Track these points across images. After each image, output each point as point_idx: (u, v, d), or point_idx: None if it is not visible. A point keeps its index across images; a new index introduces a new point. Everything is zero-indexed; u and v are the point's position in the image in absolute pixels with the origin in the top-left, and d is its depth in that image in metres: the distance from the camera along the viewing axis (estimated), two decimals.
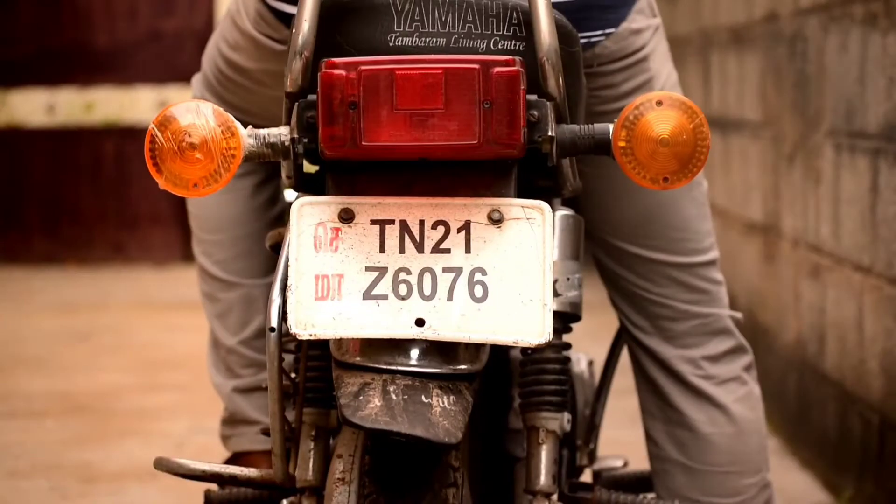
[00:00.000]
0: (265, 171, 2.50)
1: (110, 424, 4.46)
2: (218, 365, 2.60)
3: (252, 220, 2.48)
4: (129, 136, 8.58)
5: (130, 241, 8.55)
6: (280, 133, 1.76)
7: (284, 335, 1.76)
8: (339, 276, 1.72)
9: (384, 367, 1.71)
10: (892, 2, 3.13)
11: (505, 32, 1.82)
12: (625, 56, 2.06)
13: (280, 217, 2.47)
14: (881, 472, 3.24)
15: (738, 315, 2.36)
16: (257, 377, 2.51)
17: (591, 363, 2.61)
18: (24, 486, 3.79)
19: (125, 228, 8.55)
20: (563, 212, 1.98)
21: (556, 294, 1.93)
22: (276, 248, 1.99)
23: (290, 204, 1.77)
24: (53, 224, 8.54)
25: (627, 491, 2.24)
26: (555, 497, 1.92)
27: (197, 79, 2.58)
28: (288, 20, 2.03)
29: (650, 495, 2.27)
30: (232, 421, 2.53)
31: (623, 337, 2.34)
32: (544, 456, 1.93)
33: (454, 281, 1.71)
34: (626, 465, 2.59)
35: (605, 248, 2.23)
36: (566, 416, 1.97)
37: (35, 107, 8.76)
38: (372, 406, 1.67)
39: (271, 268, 2.38)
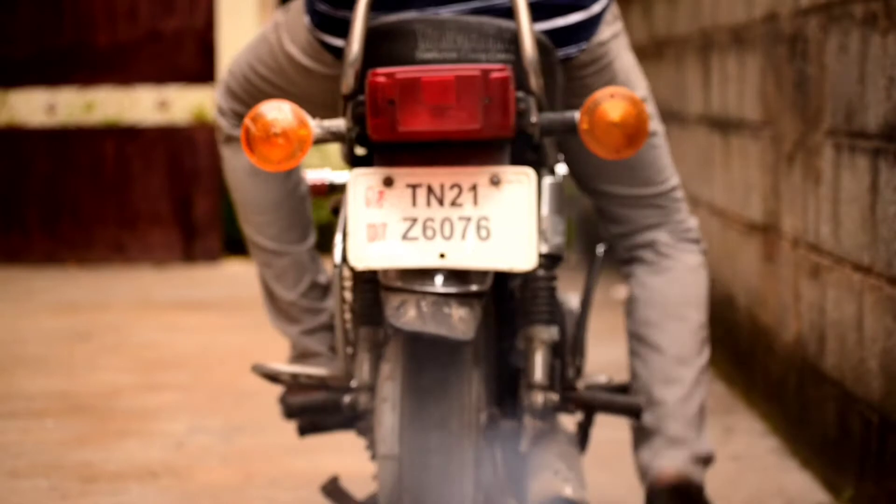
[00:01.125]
0: None
1: (110, 424, 4.46)
2: (281, 317, 3.16)
3: (288, 200, 3.07)
4: (129, 136, 8.58)
5: (131, 241, 8.55)
6: (338, 123, 2.46)
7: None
8: (384, 225, 2.42)
9: (417, 288, 2.39)
10: (892, 2, 3.13)
11: (500, 48, 2.53)
12: (594, 62, 2.77)
13: (305, 195, 3.12)
14: (881, 472, 3.24)
15: (695, 220, 3.13)
16: (316, 320, 3.14)
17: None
18: (23, 486, 3.79)
19: (125, 228, 8.55)
20: (550, 179, 2.63)
21: (545, 239, 2.61)
22: (336, 210, 2.82)
23: (311, 183, 2.92)
24: (54, 224, 8.54)
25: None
26: (549, 393, 2.58)
27: (221, 90, 3.05)
28: (332, 49, 2.74)
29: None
30: (301, 356, 3.17)
31: (597, 261, 2.90)
32: (539, 359, 2.60)
33: (466, 226, 2.41)
34: (610, 381, 3.00)
35: (597, 193, 3.05)
36: (555, 329, 2.61)
37: (35, 107, 8.75)
38: (409, 315, 2.36)
39: (308, 236, 3.13)
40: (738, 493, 3.64)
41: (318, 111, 2.61)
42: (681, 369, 2.96)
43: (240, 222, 3.14)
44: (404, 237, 2.42)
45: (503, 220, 2.40)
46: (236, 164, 3.07)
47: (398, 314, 2.38)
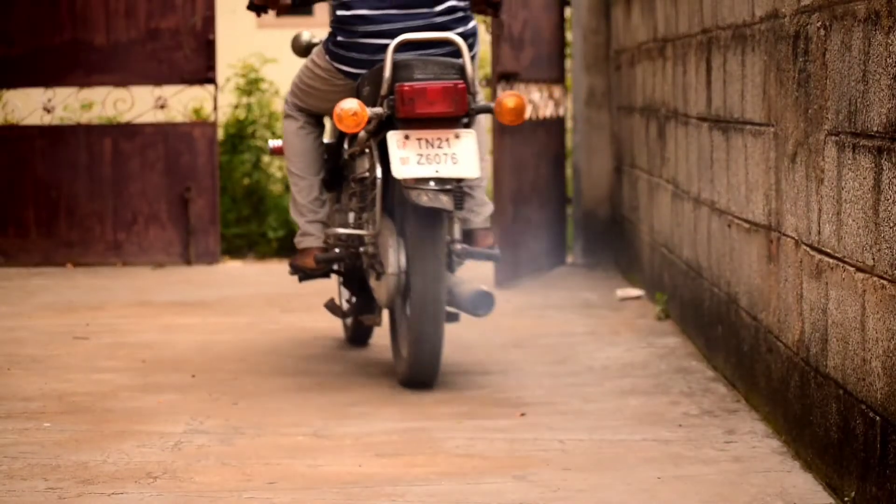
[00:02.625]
0: (319, 130, 5.51)
1: (108, 425, 4.45)
2: (297, 212, 5.44)
3: (314, 152, 5.48)
4: (127, 136, 8.57)
5: (128, 241, 8.54)
6: (377, 110, 4.90)
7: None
8: (407, 157, 4.78)
9: (423, 186, 4.75)
10: (895, 0, 3.11)
11: (455, 73, 4.89)
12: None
13: (321, 149, 5.54)
14: (884, 473, 3.23)
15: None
16: (315, 216, 5.42)
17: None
18: (21, 487, 3.77)
19: (123, 228, 8.53)
20: (480, 136, 5.12)
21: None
22: (353, 156, 5.33)
23: (330, 142, 5.61)
24: (51, 224, 8.52)
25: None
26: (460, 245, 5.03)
27: (287, 99, 5.48)
28: (343, 73, 5.22)
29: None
30: (303, 234, 5.44)
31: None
32: (457, 223, 5.01)
33: (446, 157, 4.78)
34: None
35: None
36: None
37: (32, 106, 8.74)
38: (422, 199, 4.71)
39: (320, 172, 5.49)
40: (741, 495, 3.63)
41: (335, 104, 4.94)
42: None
43: (286, 163, 5.46)
44: (418, 163, 4.80)
45: (463, 154, 4.83)
46: (289, 128, 5.47)
47: (417, 198, 4.74)
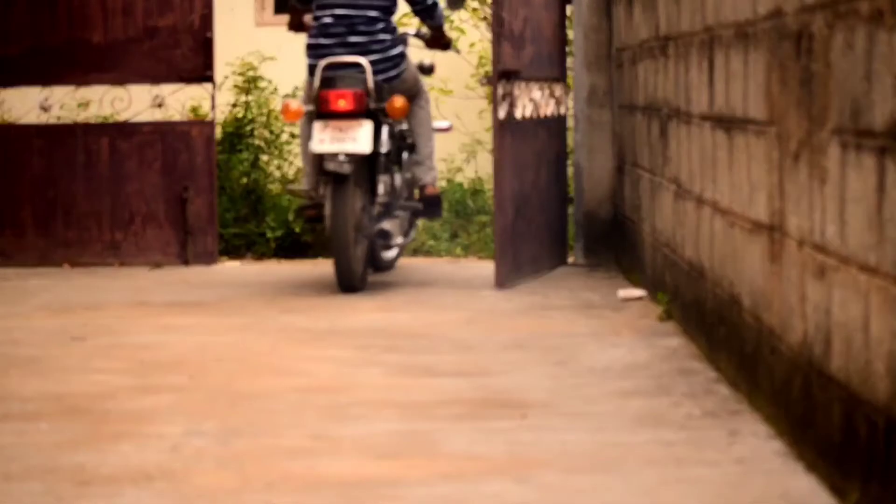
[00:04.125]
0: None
1: (105, 427, 4.43)
2: (305, 164, 7.49)
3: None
4: (124, 135, 8.54)
5: (126, 241, 8.51)
6: (310, 107, 7.32)
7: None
8: (323, 139, 7.13)
9: (333, 157, 7.15)
10: None
11: (362, 84, 7.25)
12: (402, 82, 7.48)
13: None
14: (887, 475, 3.21)
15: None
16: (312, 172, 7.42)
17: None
18: (17, 490, 3.76)
19: (120, 228, 8.51)
20: (385, 126, 7.45)
21: (381, 144, 7.40)
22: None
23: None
24: (48, 224, 8.50)
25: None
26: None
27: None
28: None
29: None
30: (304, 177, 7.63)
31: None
32: (381, 188, 7.45)
33: (350, 138, 7.17)
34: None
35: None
36: (387, 177, 7.53)
37: (29, 105, 8.71)
38: (327, 163, 7.09)
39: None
40: (743, 497, 3.61)
41: None
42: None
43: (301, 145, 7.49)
44: (330, 142, 7.02)
45: (360, 137, 7.05)
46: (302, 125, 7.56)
47: (327, 165, 7.01)
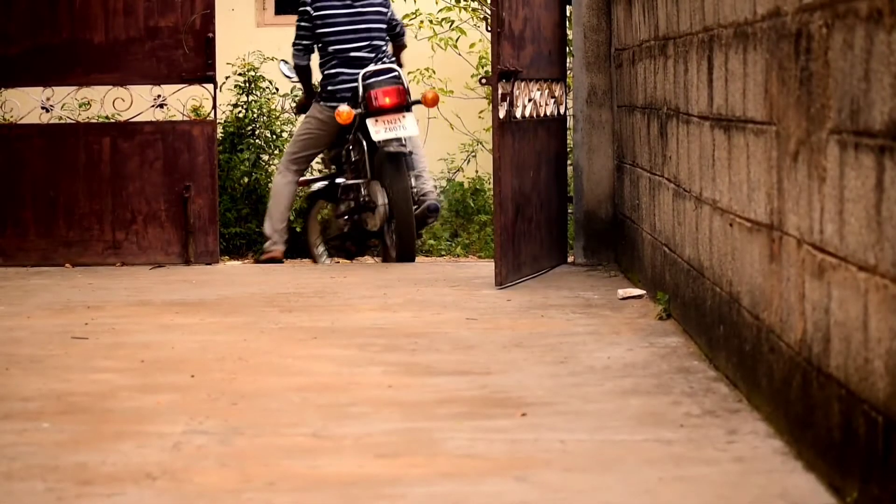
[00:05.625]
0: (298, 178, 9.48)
1: (107, 426, 4.43)
2: (272, 229, 9.18)
3: (291, 197, 9.37)
4: (125, 135, 8.55)
5: (127, 240, 8.52)
6: (359, 109, 8.83)
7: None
8: (379, 130, 8.69)
9: (391, 143, 8.82)
10: None
11: (399, 83, 8.96)
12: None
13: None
14: (886, 473, 3.22)
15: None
16: (284, 235, 9.21)
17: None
18: (19, 489, 3.76)
19: (122, 228, 8.52)
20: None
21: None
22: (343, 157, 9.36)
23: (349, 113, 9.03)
24: (49, 223, 8.51)
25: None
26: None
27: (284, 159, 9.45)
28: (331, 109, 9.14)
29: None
30: (273, 243, 9.07)
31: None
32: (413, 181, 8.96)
33: (401, 126, 8.70)
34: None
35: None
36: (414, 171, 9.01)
37: (31, 105, 8.72)
38: (387, 145, 8.76)
39: (290, 208, 9.45)
40: (742, 496, 3.62)
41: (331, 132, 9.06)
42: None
43: (270, 203, 9.02)
44: (386, 131, 8.60)
45: (408, 124, 8.63)
46: (280, 181, 9.30)
47: (388, 147, 8.65)
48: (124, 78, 8.56)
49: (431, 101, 8.78)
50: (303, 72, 9.07)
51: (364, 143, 8.68)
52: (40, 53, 8.51)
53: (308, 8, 8.96)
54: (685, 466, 3.89)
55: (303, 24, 8.99)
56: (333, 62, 8.93)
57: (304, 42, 8.98)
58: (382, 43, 9.05)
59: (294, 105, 9.29)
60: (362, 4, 9.01)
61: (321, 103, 8.94)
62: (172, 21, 8.51)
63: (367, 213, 8.76)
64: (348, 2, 8.98)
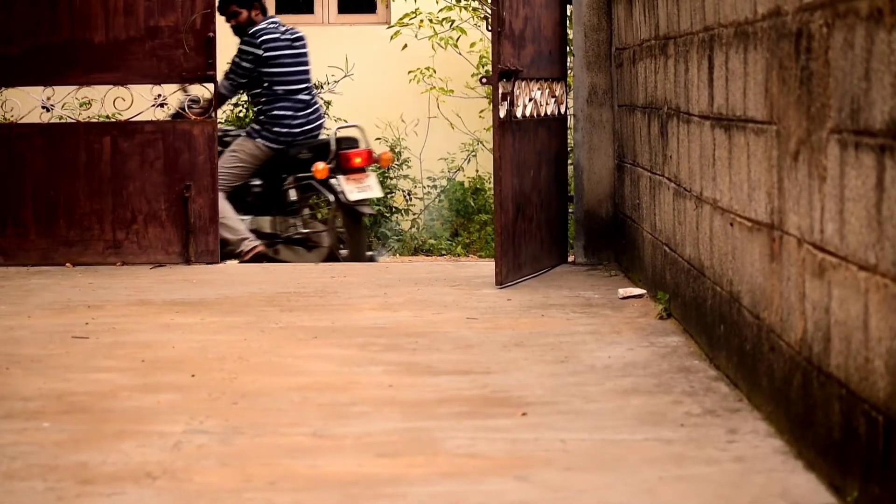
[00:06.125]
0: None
1: (107, 425, 4.43)
2: (232, 233, 9.14)
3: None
4: (126, 134, 8.55)
5: (127, 240, 8.52)
6: (330, 165, 9.48)
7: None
8: (352, 189, 9.36)
9: (362, 203, 9.51)
10: None
11: (363, 145, 9.66)
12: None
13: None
14: (886, 473, 3.22)
15: None
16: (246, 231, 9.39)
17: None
18: (19, 488, 3.76)
19: (122, 227, 8.51)
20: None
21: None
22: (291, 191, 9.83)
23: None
24: (50, 223, 8.50)
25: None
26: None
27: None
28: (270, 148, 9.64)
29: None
30: (243, 240, 9.12)
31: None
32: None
33: (368, 187, 9.37)
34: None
35: None
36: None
37: (31, 104, 8.72)
38: (361, 207, 9.40)
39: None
40: (743, 495, 3.62)
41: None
42: None
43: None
44: (357, 191, 9.23)
45: (374, 185, 9.35)
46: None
47: (361, 209, 9.35)
48: (125, 77, 8.55)
49: (386, 162, 9.68)
50: (221, 99, 9.22)
51: (331, 195, 9.21)
52: (41, 53, 8.51)
53: (257, 50, 9.20)
54: (686, 466, 3.89)
55: (245, 63, 9.22)
56: (279, 104, 9.32)
57: (241, 80, 9.28)
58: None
59: (194, 109, 8.74)
60: (300, 46, 9.44)
61: (258, 140, 9.28)
62: (173, 20, 8.50)
63: (313, 246, 9.38)
64: (290, 43, 9.38)
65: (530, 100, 7.65)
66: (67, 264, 8.44)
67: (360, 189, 9.19)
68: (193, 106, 8.65)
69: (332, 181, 9.14)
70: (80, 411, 4.63)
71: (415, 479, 3.80)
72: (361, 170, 9.24)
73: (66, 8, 8.49)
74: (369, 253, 9.57)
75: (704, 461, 3.93)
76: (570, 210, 8.43)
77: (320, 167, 9.07)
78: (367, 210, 9.31)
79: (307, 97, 9.41)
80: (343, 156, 9.19)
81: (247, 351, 5.64)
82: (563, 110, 8.20)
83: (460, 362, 5.35)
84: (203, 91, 8.65)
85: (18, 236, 8.51)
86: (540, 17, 7.80)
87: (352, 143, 9.41)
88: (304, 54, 9.43)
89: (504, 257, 7.32)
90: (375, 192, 9.33)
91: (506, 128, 7.32)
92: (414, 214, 11.55)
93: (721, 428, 4.27)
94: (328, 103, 11.35)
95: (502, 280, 7.28)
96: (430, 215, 11.57)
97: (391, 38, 11.33)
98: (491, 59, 7.42)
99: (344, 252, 9.27)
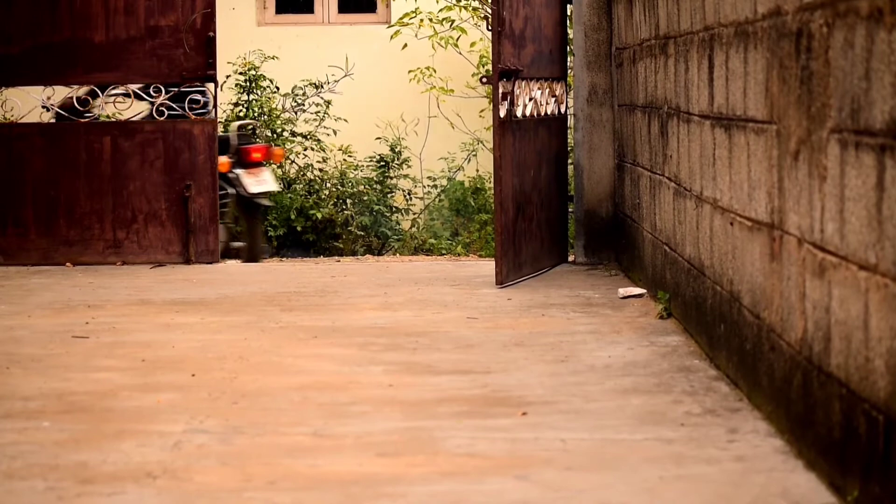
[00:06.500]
0: None
1: (107, 425, 4.43)
2: None
3: None
4: (126, 133, 8.55)
5: (128, 239, 8.52)
6: (231, 159, 9.65)
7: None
8: (251, 182, 9.57)
9: (261, 195, 9.77)
10: None
11: (263, 141, 10.50)
12: None
13: None
14: (887, 472, 3.22)
15: None
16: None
17: None
18: (20, 487, 3.76)
19: (122, 227, 8.51)
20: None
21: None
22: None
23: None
24: (50, 222, 8.50)
25: None
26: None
27: None
28: None
29: None
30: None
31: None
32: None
33: (265, 181, 9.76)
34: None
35: None
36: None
37: (32, 104, 8.72)
38: (259, 198, 9.60)
39: None
40: (743, 495, 3.62)
41: None
42: None
43: None
44: (257, 184, 9.52)
45: (270, 178, 9.72)
46: None
47: (260, 200, 9.64)
48: (125, 77, 8.55)
49: (278, 158, 10.42)
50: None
51: (230, 189, 9.43)
52: (41, 52, 8.51)
53: None
54: (686, 465, 3.89)
55: None
56: None
57: None
58: None
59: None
60: None
61: None
62: (173, 20, 8.51)
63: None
64: None
65: (530, 99, 7.65)
66: (68, 264, 8.44)
67: (259, 182, 9.51)
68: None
69: (231, 175, 9.32)
70: (81, 411, 4.63)
71: (415, 478, 3.80)
72: (259, 164, 9.58)
73: (66, 8, 8.49)
74: (264, 245, 9.97)
75: (705, 461, 3.93)
76: (570, 210, 8.43)
77: (223, 160, 9.17)
78: (265, 202, 9.71)
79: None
80: (243, 150, 9.49)
81: (247, 350, 5.64)
82: (563, 110, 8.21)
83: (460, 362, 5.35)
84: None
85: (19, 236, 8.51)
86: (540, 16, 7.80)
87: (248, 138, 9.70)
88: None
89: (504, 257, 7.32)
90: (272, 185, 9.69)
91: (506, 127, 7.32)
92: (414, 214, 11.56)
93: (721, 427, 4.27)
94: (328, 103, 11.35)
95: (502, 279, 7.28)
96: (431, 215, 11.57)
97: (391, 37, 11.33)
98: (491, 58, 7.42)
99: (237, 244, 9.40)
